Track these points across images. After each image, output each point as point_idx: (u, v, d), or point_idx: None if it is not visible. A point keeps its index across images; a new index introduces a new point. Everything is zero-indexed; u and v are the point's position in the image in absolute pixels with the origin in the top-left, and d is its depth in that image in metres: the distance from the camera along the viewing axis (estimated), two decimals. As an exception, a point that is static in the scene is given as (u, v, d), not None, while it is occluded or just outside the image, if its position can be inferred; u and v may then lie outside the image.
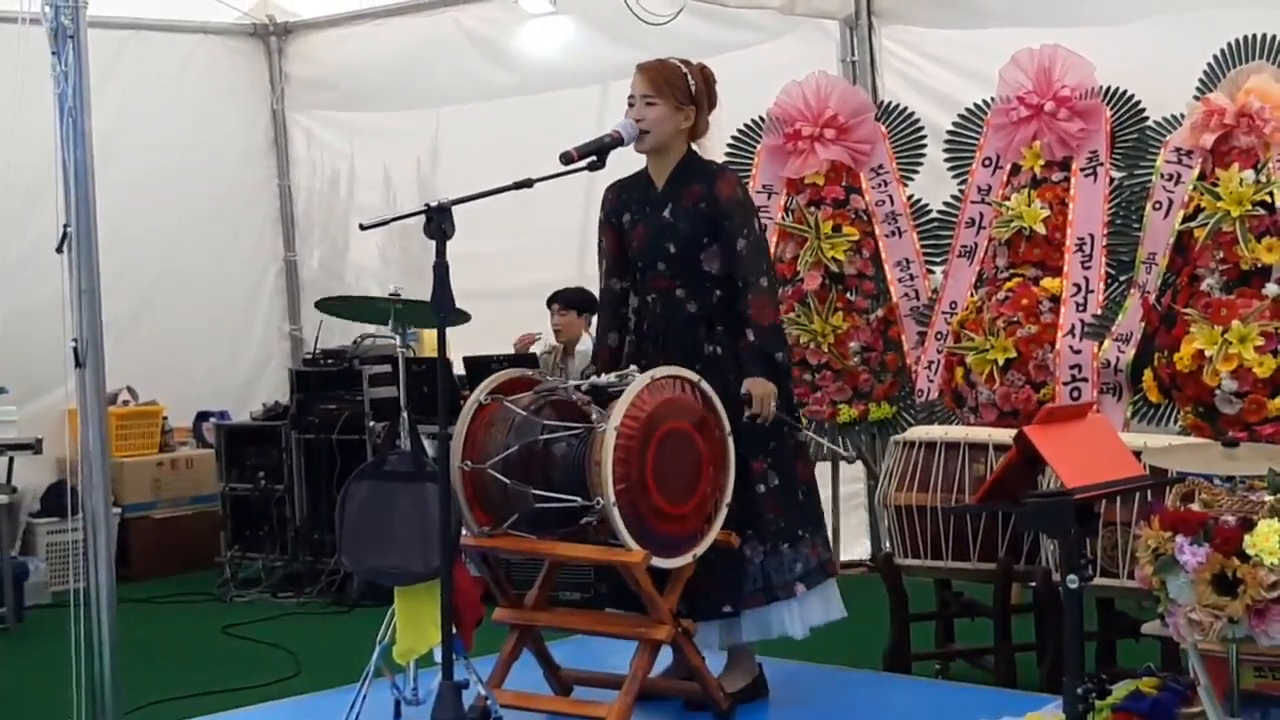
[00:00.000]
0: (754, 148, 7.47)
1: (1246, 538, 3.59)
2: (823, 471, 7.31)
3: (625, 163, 5.04)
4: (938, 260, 7.17)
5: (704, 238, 4.85)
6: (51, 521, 8.20)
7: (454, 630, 4.17)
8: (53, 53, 4.88)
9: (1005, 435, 5.09)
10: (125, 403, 8.83)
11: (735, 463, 4.69)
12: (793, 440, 4.94)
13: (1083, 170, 6.58)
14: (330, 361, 8.23)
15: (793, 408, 5.05)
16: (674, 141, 4.89)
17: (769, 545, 4.83)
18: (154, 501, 8.77)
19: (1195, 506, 3.80)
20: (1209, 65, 6.16)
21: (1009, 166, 6.77)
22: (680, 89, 4.86)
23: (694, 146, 4.96)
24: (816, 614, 4.97)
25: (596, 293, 7.57)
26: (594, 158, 4.65)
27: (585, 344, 7.77)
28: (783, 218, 7.35)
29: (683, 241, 4.86)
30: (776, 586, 4.84)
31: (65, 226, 4.90)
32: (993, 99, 6.86)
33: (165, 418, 9.05)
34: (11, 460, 7.85)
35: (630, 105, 4.89)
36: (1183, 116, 6.18)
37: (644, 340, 4.99)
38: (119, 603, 4.91)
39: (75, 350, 4.88)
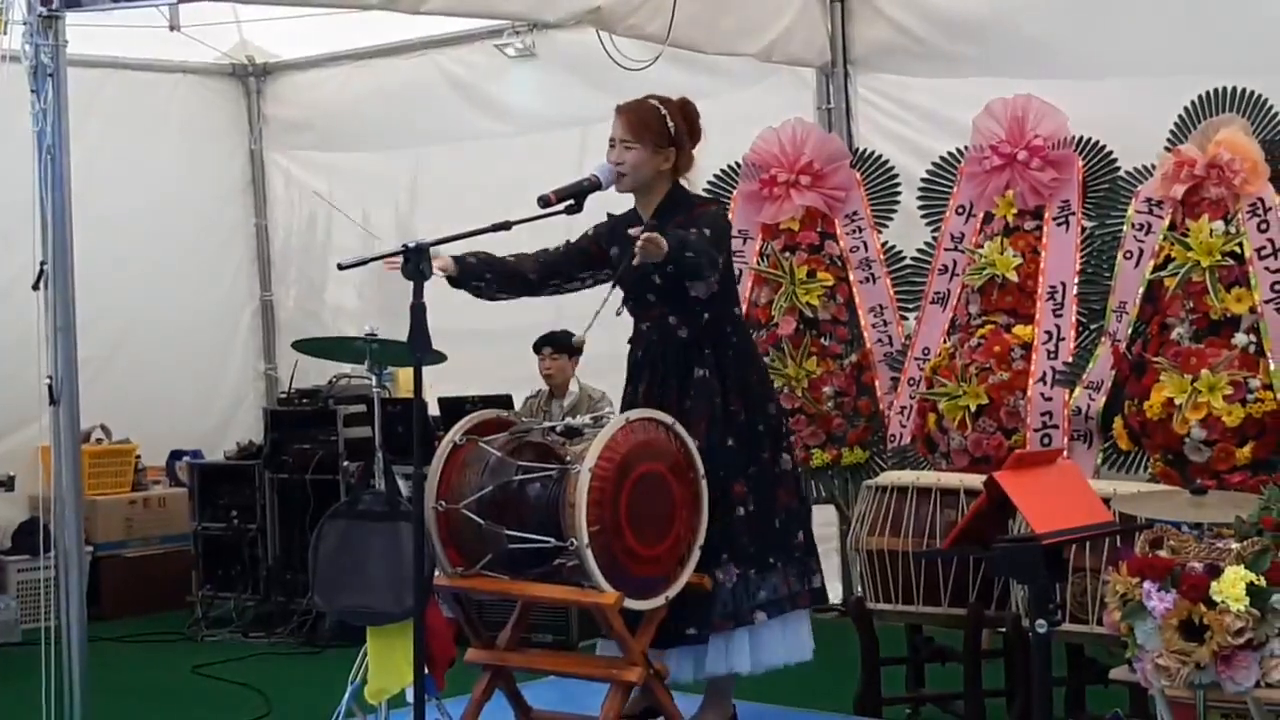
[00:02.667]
0: (730, 193, 7.51)
1: (1214, 584, 3.62)
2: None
3: (606, 204, 5.08)
4: (911, 306, 7.21)
5: None
6: (23, 559, 8.14)
7: (426, 670, 4.17)
8: (32, 90, 4.90)
9: (977, 481, 5.09)
10: (98, 441, 8.80)
11: (716, 485, 4.71)
12: (775, 468, 4.96)
13: (1055, 219, 6.63)
14: (305, 401, 8.22)
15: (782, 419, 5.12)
16: (655, 182, 4.94)
17: (741, 570, 4.84)
18: (126, 540, 8.72)
19: (1163, 553, 3.83)
20: (1180, 117, 6.22)
21: (982, 214, 6.82)
22: (658, 131, 4.91)
23: (682, 182, 5.00)
24: (778, 650, 4.94)
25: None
26: (572, 201, 4.69)
27: (574, 386, 7.78)
28: (758, 263, 7.38)
29: (668, 272, 4.89)
30: (742, 612, 4.84)
31: (42, 264, 4.91)
32: (966, 147, 6.91)
33: (138, 456, 9.02)
34: (-17, 497, 7.84)
35: (611, 146, 4.93)
36: (1154, 167, 6.24)
37: (641, 366, 5.04)
38: (90, 641, 4.90)
39: (50, 387, 4.88)
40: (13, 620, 7.92)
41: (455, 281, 4.92)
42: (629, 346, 5.11)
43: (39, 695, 4.76)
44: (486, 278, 4.94)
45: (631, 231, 4.65)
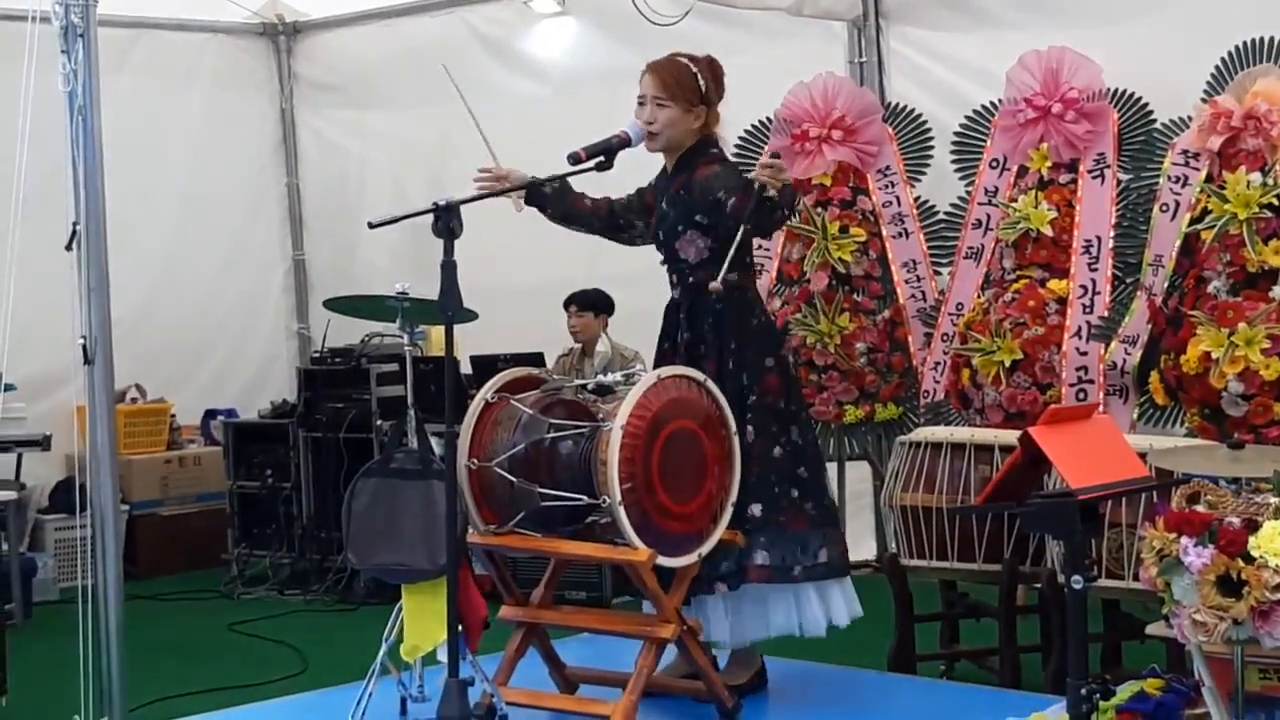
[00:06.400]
0: (761, 148, 7.47)
1: (1251, 539, 3.59)
2: (829, 472, 7.34)
3: (636, 161, 5.05)
4: (944, 261, 7.18)
5: (679, 225, 4.87)
6: (60, 518, 8.21)
7: (460, 628, 4.18)
8: (63, 51, 4.89)
9: (1011, 437, 5.08)
10: (134, 400, 8.85)
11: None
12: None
13: (1090, 172, 6.58)
14: (338, 360, 8.25)
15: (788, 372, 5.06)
16: (685, 141, 4.90)
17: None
18: (161, 499, 8.79)
19: (1200, 508, 3.80)
20: (1216, 68, 6.16)
21: (1016, 168, 6.78)
22: (691, 89, 4.86)
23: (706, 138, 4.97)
24: (738, 625, 4.88)
25: (610, 292, 7.66)
26: (601, 158, 4.65)
27: (604, 345, 7.77)
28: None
29: (668, 230, 4.91)
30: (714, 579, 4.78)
31: (74, 224, 4.91)
32: (1000, 100, 6.86)
33: (173, 415, 9.07)
34: (20, 457, 7.89)
35: (641, 104, 4.89)
36: (1190, 119, 6.18)
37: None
38: (126, 599, 4.93)
39: (84, 347, 4.89)
40: (50, 578, 8.01)
41: (532, 198, 5.04)
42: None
43: (76, 653, 4.79)
44: (550, 206, 5.09)
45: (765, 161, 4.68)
